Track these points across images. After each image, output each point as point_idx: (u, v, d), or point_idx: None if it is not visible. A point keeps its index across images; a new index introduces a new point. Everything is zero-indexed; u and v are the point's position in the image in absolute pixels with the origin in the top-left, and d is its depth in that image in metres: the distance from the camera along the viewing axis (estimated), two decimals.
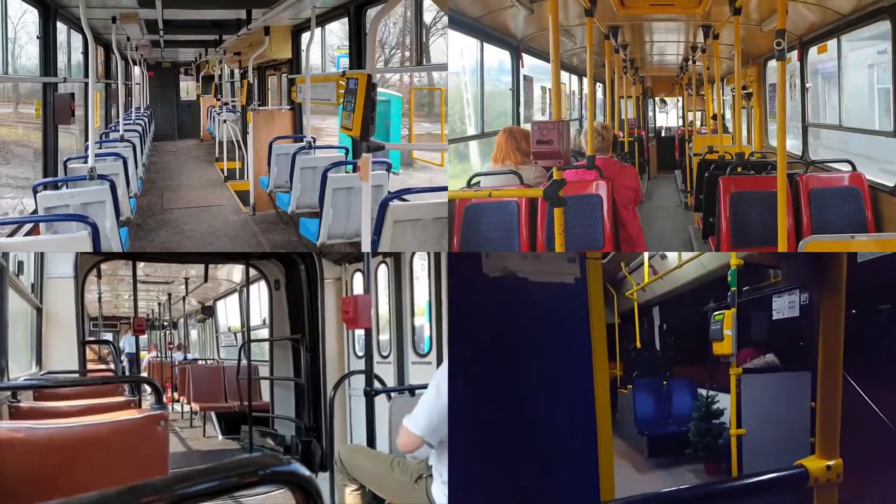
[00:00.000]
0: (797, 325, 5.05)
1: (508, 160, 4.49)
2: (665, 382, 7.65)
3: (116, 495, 0.76)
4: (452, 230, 4.46)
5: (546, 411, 2.03)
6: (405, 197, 4.30)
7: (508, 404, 2.03)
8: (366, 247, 3.91)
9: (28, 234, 4.84)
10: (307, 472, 0.85)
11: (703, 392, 6.39)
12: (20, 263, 4.64)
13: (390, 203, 4.04)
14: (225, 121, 10.46)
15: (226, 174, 9.97)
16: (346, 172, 5.77)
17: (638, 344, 8.51)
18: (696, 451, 6.02)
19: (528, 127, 5.33)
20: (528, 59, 7.09)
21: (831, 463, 1.51)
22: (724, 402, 5.53)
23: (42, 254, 5.08)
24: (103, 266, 7.41)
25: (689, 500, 1.49)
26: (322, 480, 4.73)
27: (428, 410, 2.81)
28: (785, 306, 5.30)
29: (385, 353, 5.79)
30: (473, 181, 4.64)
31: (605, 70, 7.32)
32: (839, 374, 1.49)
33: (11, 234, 4.90)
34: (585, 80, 9.93)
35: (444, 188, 4.46)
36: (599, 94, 9.51)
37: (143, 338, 13.33)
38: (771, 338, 5.52)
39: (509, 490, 2.01)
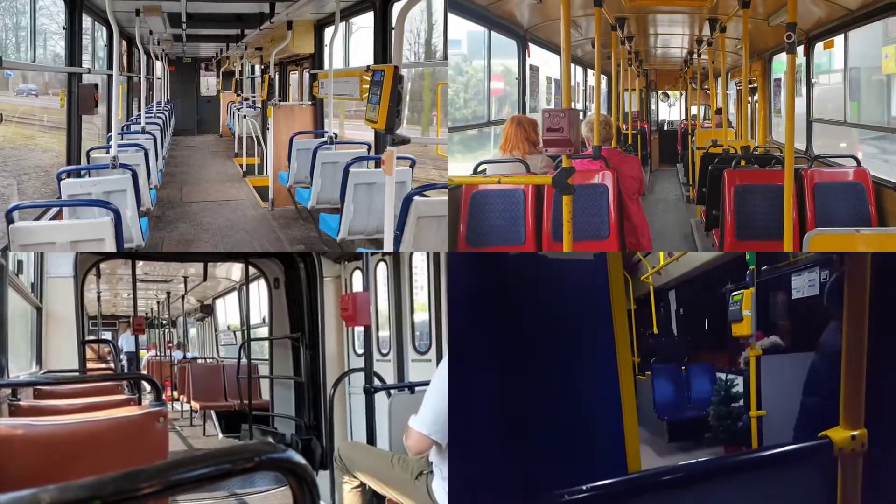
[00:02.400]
0: (817, 304, 5.02)
1: (517, 150, 4.58)
2: (683, 367, 7.73)
3: (111, 481, 0.78)
4: (459, 217, 4.52)
5: (568, 392, 2.07)
6: (426, 193, 4.30)
7: (529, 389, 2.07)
8: (388, 243, 3.91)
9: (52, 220, 4.95)
10: (302, 460, 0.87)
11: (722, 376, 6.46)
12: (20, 263, 4.68)
13: (414, 198, 4.00)
14: (245, 116, 10.52)
15: (245, 169, 10.05)
16: (368, 168, 5.76)
17: (655, 329, 8.55)
18: (717, 434, 6.10)
19: (534, 116, 5.39)
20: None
21: (856, 433, 1.53)
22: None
23: (42, 253, 5.13)
24: (102, 265, 7.47)
25: (716, 471, 1.52)
26: (322, 478, 4.77)
27: (434, 410, 2.82)
28: (805, 285, 5.28)
29: (385, 351, 5.81)
30: (480, 168, 4.70)
31: (609, 62, 7.32)
32: (864, 343, 1.50)
33: (37, 219, 4.98)
34: (590, 72, 9.98)
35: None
36: (603, 86, 9.51)
37: (142, 337, 13.36)
38: (790, 318, 5.51)
39: (534, 474, 2.04)
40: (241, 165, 10.32)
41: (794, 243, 3.90)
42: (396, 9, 6.40)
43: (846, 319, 1.53)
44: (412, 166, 5.42)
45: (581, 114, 9.44)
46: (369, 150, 6.72)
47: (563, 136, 3.24)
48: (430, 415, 2.82)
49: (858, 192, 5.01)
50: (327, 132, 6.97)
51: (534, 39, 7.04)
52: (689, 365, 7.81)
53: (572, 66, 9.34)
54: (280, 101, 9.48)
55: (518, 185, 4.45)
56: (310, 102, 9.00)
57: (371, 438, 4.06)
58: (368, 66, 6.18)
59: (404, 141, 3.68)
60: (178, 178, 9.58)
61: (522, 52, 6.95)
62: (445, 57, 5.88)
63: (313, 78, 8.66)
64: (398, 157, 3.96)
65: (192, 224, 7.20)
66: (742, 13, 5.41)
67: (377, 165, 5.74)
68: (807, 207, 5.05)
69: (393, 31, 5.33)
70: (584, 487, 1.31)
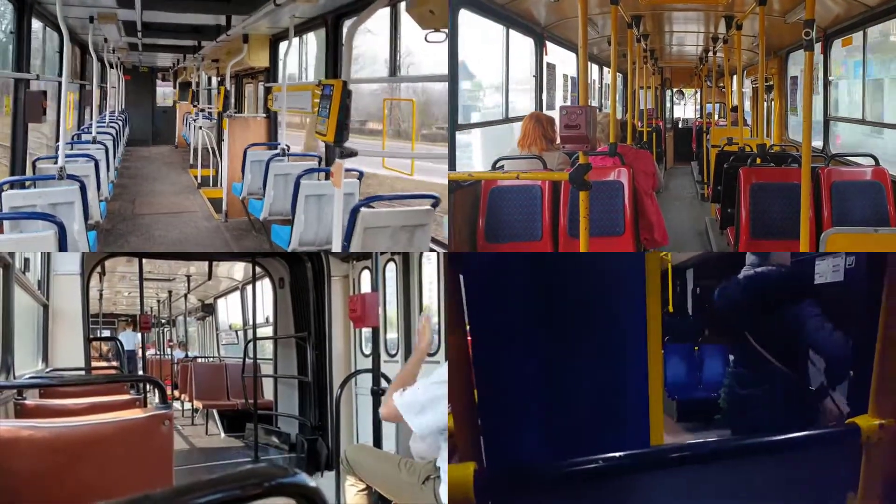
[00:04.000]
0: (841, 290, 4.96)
1: (534, 146, 4.69)
2: (696, 348, 7.74)
3: None
4: (478, 212, 4.59)
5: (605, 368, 2.13)
6: (373, 204, 4.38)
7: (566, 371, 2.12)
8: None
9: None
10: (313, 484, 0.85)
11: None
12: (26, 260, 4.69)
13: (361, 209, 4.08)
14: (200, 127, 10.55)
15: (199, 181, 10.06)
16: (319, 180, 5.83)
17: (671, 308, 8.56)
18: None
19: (551, 113, 5.43)
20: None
21: (884, 422, 1.54)
22: None
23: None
24: (104, 263, 7.48)
25: (739, 450, 1.53)
26: (328, 479, 4.78)
27: (418, 399, 2.87)
28: (828, 270, 5.24)
29: (393, 352, 5.82)
30: (498, 164, 4.78)
31: (625, 60, 7.32)
32: None
33: None
34: (605, 69, 9.96)
35: (415, 196, 4.57)
36: (619, 84, 9.51)
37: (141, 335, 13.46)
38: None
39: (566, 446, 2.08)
40: (196, 177, 10.32)
41: (811, 243, 3.88)
42: (347, 25, 6.45)
43: (885, 310, 1.53)
44: (360, 178, 5.50)
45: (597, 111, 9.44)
46: (320, 162, 6.78)
47: (580, 132, 3.28)
48: (410, 393, 2.88)
49: (877, 192, 4.97)
50: (280, 144, 7.05)
51: (551, 37, 7.06)
52: (703, 346, 7.83)
53: (590, 64, 9.41)
54: (236, 112, 9.55)
55: (535, 181, 4.52)
56: (264, 115, 9.08)
57: (378, 441, 4.07)
58: (320, 81, 6.24)
59: (352, 153, 3.76)
60: (131, 189, 9.49)
61: (540, 50, 6.99)
62: (393, 73, 5.92)
63: (268, 91, 8.73)
64: (347, 170, 4.01)
65: (143, 237, 7.12)
66: (758, 10, 5.38)
67: (327, 177, 5.82)
68: (823, 207, 5.02)
69: (343, 48, 5.37)
70: (598, 458, 1.32)
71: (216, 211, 8.21)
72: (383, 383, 4.20)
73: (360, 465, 3.43)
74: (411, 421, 2.87)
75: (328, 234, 4.72)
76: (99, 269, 7.10)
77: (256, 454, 6.48)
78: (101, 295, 11.09)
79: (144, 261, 8.17)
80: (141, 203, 8.68)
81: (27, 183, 5.31)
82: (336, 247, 4.00)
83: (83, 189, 4.72)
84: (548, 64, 7.24)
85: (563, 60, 7.81)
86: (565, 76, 8.19)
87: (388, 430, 3.96)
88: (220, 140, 9.23)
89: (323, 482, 5.48)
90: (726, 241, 5.98)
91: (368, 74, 7.08)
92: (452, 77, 4.86)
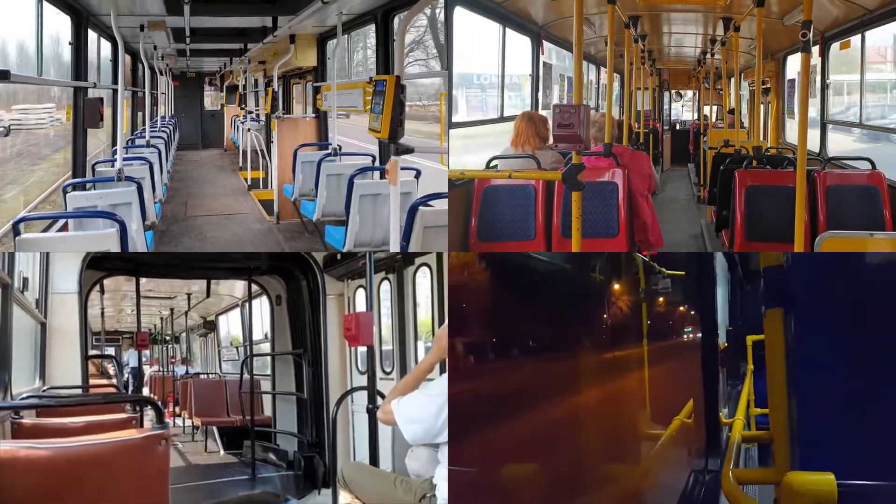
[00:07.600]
0: None
1: (528, 145, 4.74)
2: None
3: None
4: (470, 212, 4.62)
5: None
6: (430, 203, 4.33)
7: None
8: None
9: (58, 231, 5.09)
10: None
11: None
12: (25, 280, 4.81)
13: (419, 208, 4.05)
14: (249, 130, 10.67)
15: (249, 183, 10.19)
16: (373, 179, 5.86)
17: None
18: None
19: (545, 113, 5.45)
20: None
21: None
22: None
23: (47, 270, 5.28)
24: (105, 282, 7.61)
25: None
26: (325, 497, 4.83)
27: (415, 401, 2.94)
28: None
29: (388, 370, 5.87)
30: (492, 164, 4.82)
31: (622, 60, 7.39)
32: None
33: (44, 231, 5.15)
34: (602, 70, 10.05)
35: None
36: (616, 85, 9.58)
37: (146, 352, 13.54)
38: None
39: None
40: (246, 179, 10.52)
41: (806, 246, 3.93)
42: (398, 21, 6.50)
43: None
44: (417, 176, 5.50)
45: (592, 111, 9.51)
46: (374, 160, 6.81)
47: (574, 132, 3.28)
48: (406, 402, 2.95)
49: (873, 196, 5.02)
50: (331, 144, 7.09)
51: (548, 37, 7.12)
52: None
53: (587, 64, 9.47)
54: (284, 114, 9.62)
55: (529, 180, 4.56)
56: (314, 115, 9.15)
57: (374, 459, 4.12)
58: (371, 78, 6.27)
59: (408, 150, 3.71)
60: (183, 192, 9.75)
61: (536, 50, 7.05)
62: (445, 67, 5.95)
63: (316, 91, 8.80)
64: (403, 168, 4.01)
65: (196, 238, 7.34)
66: (756, 12, 5.45)
67: (382, 176, 5.85)
68: (819, 210, 5.08)
69: (394, 43, 5.38)
70: None
71: (267, 213, 8.32)
72: (378, 400, 4.26)
73: (356, 482, 3.47)
74: (404, 428, 2.93)
75: (384, 234, 4.73)
76: (98, 287, 7.21)
77: (254, 471, 6.52)
78: (102, 312, 11.19)
79: (146, 279, 8.28)
80: (193, 205, 8.87)
81: (87, 185, 5.59)
82: (394, 247, 4.00)
83: (140, 190, 4.97)
84: (544, 63, 7.29)
85: (560, 58, 7.87)
86: (562, 76, 8.25)
87: (385, 447, 4.02)
88: (268, 142, 9.32)
89: (320, 500, 5.54)
90: (721, 244, 6.04)
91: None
92: (448, 73, 4.92)
